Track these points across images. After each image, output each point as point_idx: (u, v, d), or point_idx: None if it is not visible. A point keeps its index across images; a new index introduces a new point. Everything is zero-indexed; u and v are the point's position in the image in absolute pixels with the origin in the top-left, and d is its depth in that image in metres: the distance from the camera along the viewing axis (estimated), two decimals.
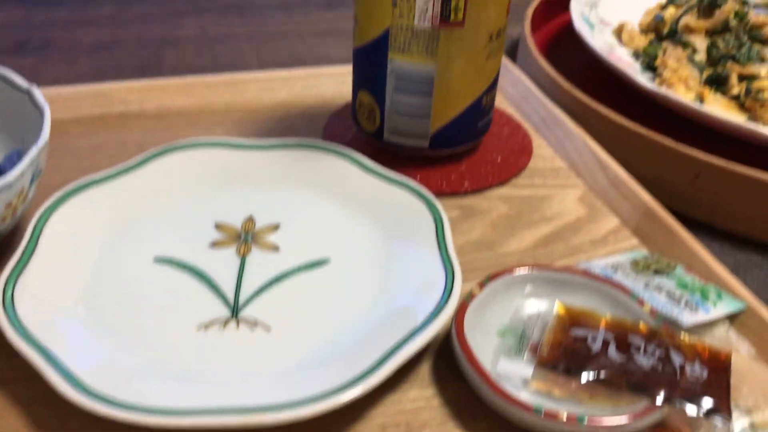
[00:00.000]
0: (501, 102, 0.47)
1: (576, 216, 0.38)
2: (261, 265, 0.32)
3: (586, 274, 0.30)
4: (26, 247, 0.30)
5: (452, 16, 0.35)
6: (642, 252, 0.34)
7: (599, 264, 0.33)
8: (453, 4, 0.35)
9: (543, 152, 0.43)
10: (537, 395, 0.26)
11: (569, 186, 0.40)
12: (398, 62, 0.37)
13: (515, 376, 0.27)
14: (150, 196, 0.35)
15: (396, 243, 0.33)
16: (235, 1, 0.63)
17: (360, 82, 0.40)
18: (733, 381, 0.26)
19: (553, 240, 0.36)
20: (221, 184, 0.36)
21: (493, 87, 0.40)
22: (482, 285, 0.30)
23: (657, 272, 0.32)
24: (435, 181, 0.39)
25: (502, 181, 0.40)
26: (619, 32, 0.53)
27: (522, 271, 0.30)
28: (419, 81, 0.37)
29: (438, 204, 0.34)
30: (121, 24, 0.58)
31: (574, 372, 0.26)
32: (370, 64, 0.38)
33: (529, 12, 0.55)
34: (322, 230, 0.34)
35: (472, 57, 0.37)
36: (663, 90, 0.43)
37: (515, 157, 0.42)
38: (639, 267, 0.32)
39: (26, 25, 0.57)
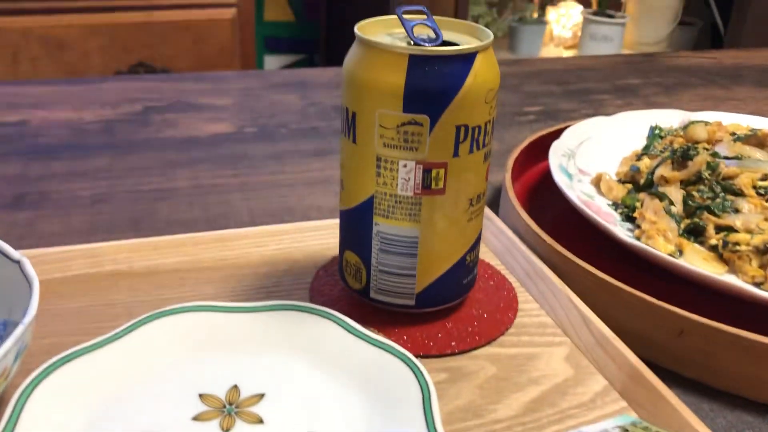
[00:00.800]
0: (485, 253, 0.48)
1: (563, 377, 0.37)
2: None
3: None
4: (5, 428, 0.29)
5: (433, 185, 0.37)
6: (631, 417, 0.34)
7: (588, 430, 0.32)
8: (433, 174, 0.36)
9: (528, 306, 0.43)
10: None
11: (555, 344, 0.40)
12: (383, 225, 0.38)
13: None
14: (133, 367, 0.34)
15: (383, 416, 0.32)
16: (229, 152, 0.66)
17: (346, 242, 0.41)
18: None
19: (541, 404, 0.35)
20: (206, 351, 0.36)
21: (476, 245, 0.41)
22: None
23: None
24: (422, 342, 0.39)
25: (490, 341, 0.40)
26: (597, 182, 0.55)
27: None
28: (403, 243, 0.38)
29: (425, 373, 0.34)
30: (117, 176, 0.60)
31: None
32: (356, 226, 0.39)
33: (510, 162, 0.57)
34: (308, 401, 0.33)
35: (453, 221, 0.38)
36: (641, 244, 0.44)
37: (501, 313, 0.42)
38: None
39: (23, 179, 0.59)
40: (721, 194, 0.50)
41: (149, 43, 1.50)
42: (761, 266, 0.44)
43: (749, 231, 0.47)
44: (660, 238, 0.47)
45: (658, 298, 0.40)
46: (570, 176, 0.55)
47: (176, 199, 0.57)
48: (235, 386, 0.34)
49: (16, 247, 0.46)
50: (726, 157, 0.53)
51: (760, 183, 0.51)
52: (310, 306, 0.38)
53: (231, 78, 0.89)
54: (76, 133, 0.69)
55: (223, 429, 0.31)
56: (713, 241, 0.47)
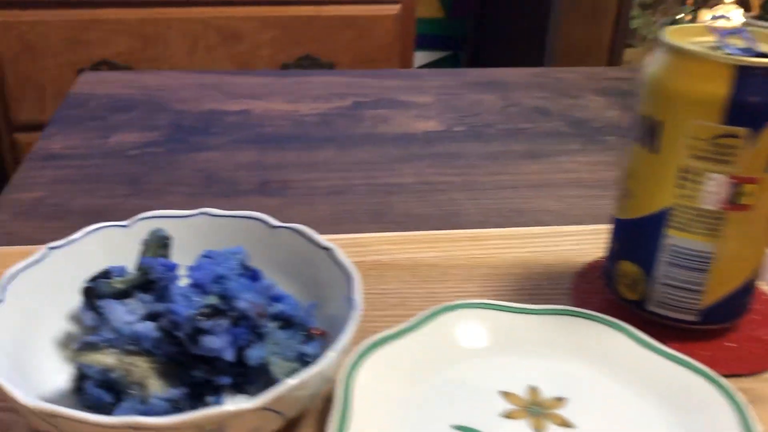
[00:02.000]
0: None
1: None
2: None
3: None
4: (343, 409, 0.31)
5: (740, 200, 0.36)
6: None
7: None
8: (743, 189, 0.35)
9: None
10: None
11: None
12: (676, 239, 0.37)
13: None
14: (436, 357, 0.36)
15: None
16: (444, 149, 0.67)
17: (624, 251, 0.40)
18: None
19: None
20: (501, 349, 0.37)
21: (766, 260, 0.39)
22: None
23: None
24: (704, 359, 0.38)
25: None
26: None
27: None
28: (696, 258, 0.37)
29: (738, 395, 0.33)
30: (347, 168, 0.63)
31: None
32: (641, 237, 0.39)
33: None
34: (613, 411, 0.34)
35: (754, 238, 0.37)
36: None
37: None
38: None
39: (261, 166, 0.62)
40: None
41: (316, 38, 1.55)
42: None
43: None
44: None
45: None
46: None
47: (406, 195, 0.59)
48: (536, 388, 0.35)
49: None
50: None
51: None
52: (598, 315, 0.38)
53: (426, 76, 0.90)
54: (297, 124, 0.72)
55: (535, 429, 0.32)
56: None
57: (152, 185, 0.59)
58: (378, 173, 0.62)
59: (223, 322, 0.30)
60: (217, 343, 0.30)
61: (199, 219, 0.39)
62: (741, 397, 0.33)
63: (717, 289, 0.38)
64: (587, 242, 0.49)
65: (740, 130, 0.34)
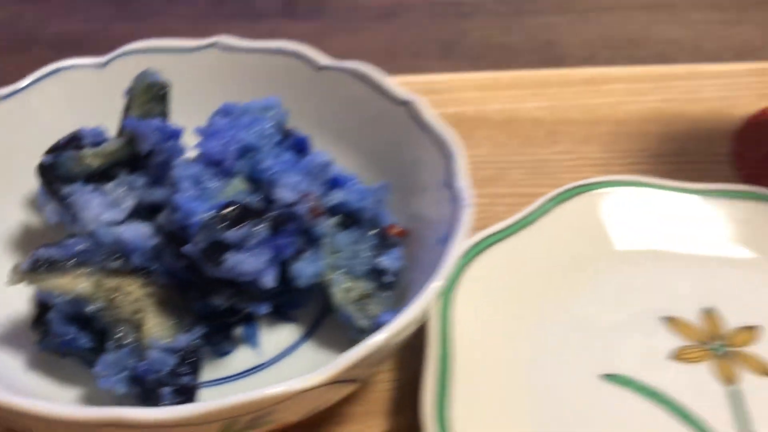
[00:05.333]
0: None
1: None
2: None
3: None
4: (441, 347, 0.20)
5: None
6: None
7: None
8: None
9: None
10: None
11: None
12: None
13: None
14: (560, 268, 0.24)
15: None
16: None
17: None
18: None
19: None
20: (653, 250, 0.25)
21: None
22: None
23: None
24: None
25: None
26: None
27: None
28: None
29: None
30: None
31: None
32: None
33: None
34: None
35: None
36: None
37: None
38: None
39: None
40: None
41: None
42: None
43: None
44: None
45: None
46: None
47: (483, 17, 0.44)
48: (711, 310, 0.24)
49: None
50: None
51: None
52: None
53: None
54: None
55: (723, 381, 0.21)
56: None
57: (144, 3, 0.45)
58: None
59: (260, 229, 0.19)
60: (251, 263, 0.19)
61: (211, 54, 0.26)
62: None
63: None
64: (739, 87, 0.35)
65: None
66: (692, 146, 0.32)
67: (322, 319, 0.22)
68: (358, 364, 0.17)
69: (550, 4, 0.46)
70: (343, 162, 0.24)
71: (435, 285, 0.18)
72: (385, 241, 0.22)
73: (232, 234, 0.18)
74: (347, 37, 0.43)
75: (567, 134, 0.33)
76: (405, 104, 0.24)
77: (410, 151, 0.23)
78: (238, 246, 0.18)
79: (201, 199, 0.20)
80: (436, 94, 0.34)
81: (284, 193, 0.20)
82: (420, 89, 0.34)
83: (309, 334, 0.22)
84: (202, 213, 0.19)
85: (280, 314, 0.22)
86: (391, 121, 0.24)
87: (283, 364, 0.21)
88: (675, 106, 0.34)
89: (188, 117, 0.24)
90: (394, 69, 0.40)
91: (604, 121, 0.33)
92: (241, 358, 0.21)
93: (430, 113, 0.24)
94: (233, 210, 0.19)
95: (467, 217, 0.20)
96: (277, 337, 0.22)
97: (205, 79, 0.26)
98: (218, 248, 0.18)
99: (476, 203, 0.27)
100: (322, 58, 0.26)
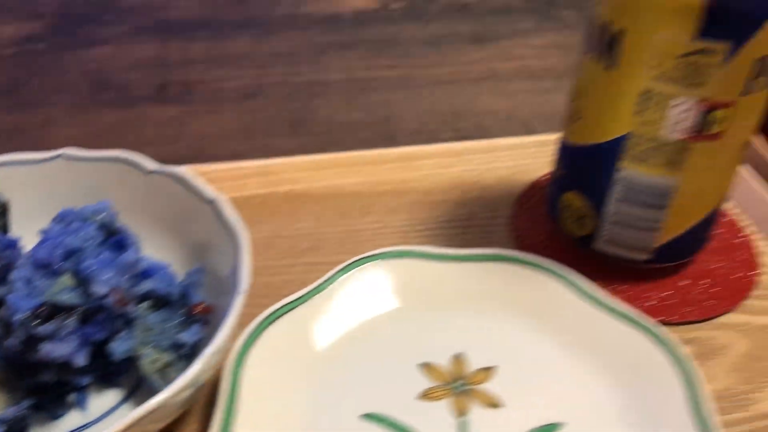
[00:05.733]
0: None
1: None
2: (484, 430, 0.27)
3: None
4: (228, 402, 0.26)
5: (709, 129, 0.29)
6: None
7: None
8: (713, 116, 0.29)
9: None
10: None
11: None
12: (631, 172, 0.31)
13: None
14: (339, 329, 0.30)
15: (639, 410, 0.28)
16: (378, 34, 0.58)
17: (571, 182, 0.34)
18: None
19: None
20: (420, 308, 0.31)
21: (730, 191, 0.34)
22: None
23: None
24: (656, 305, 0.34)
25: (734, 306, 0.34)
26: None
27: None
28: (653, 193, 0.32)
29: (688, 360, 0.29)
30: (262, 63, 0.54)
31: None
32: (590, 167, 0.33)
33: None
34: (548, 380, 0.29)
35: (720, 169, 0.31)
36: None
37: (741, 268, 0.36)
38: None
39: (163, 63, 0.53)
40: None
41: None
42: None
43: None
44: None
45: None
46: None
47: (332, 96, 0.51)
48: (460, 355, 0.30)
49: (171, 152, 0.43)
50: None
51: None
52: (531, 259, 0.33)
53: None
54: (208, 5, 0.62)
55: (456, 414, 0.28)
56: None
57: (27, 94, 0.50)
58: (299, 68, 0.54)
59: (69, 321, 0.24)
60: (62, 350, 0.24)
61: (57, 164, 0.32)
62: (684, 353, 0.29)
63: (675, 226, 0.33)
64: (532, 156, 0.43)
65: (718, 46, 0.27)
66: (481, 212, 0.39)
67: (140, 383, 0.28)
68: (141, 420, 0.22)
69: (391, 82, 0.53)
70: (163, 246, 0.30)
71: (204, 357, 0.24)
72: (189, 319, 0.28)
73: (44, 329, 0.24)
74: (210, 118, 0.48)
75: (379, 205, 0.39)
76: (211, 203, 0.30)
77: (213, 237, 0.29)
78: (49, 337, 0.24)
79: (30, 297, 0.25)
80: (273, 175, 0.40)
81: (98, 288, 0.26)
82: (259, 171, 0.40)
83: (129, 396, 0.27)
84: (23, 311, 0.24)
85: (106, 381, 0.27)
86: (201, 217, 0.30)
87: (104, 422, 0.26)
88: (473, 175, 0.41)
89: (39, 220, 0.29)
90: (248, 146, 0.46)
91: (413, 192, 0.40)
92: (71, 419, 0.27)
93: (228, 210, 0.29)
94: (44, 309, 0.24)
95: (238, 302, 0.26)
96: (103, 400, 0.27)
97: (52, 186, 0.31)
98: (33, 340, 0.24)
99: (294, 271, 0.34)
100: (150, 164, 0.32)
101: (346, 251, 0.35)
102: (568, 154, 0.34)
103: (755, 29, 0.27)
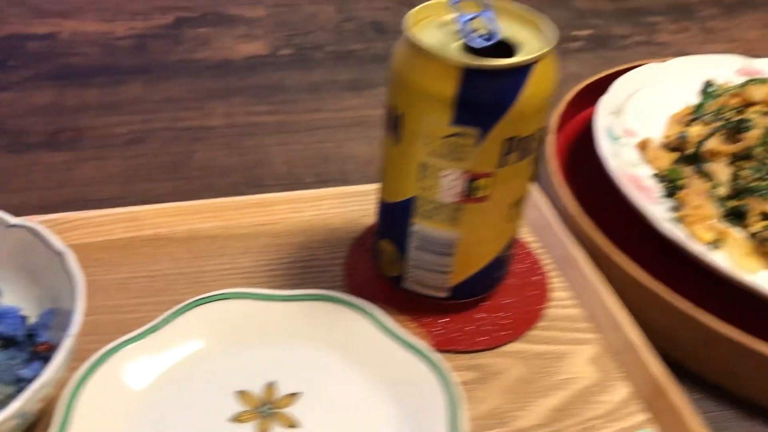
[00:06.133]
0: (521, 228, 0.48)
1: (589, 381, 0.38)
2: None
3: None
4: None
5: (476, 194, 0.36)
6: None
7: None
8: (477, 183, 0.35)
9: (560, 295, 0.43)
10: None
11: (584, 341, 0.41)
12: (421, 226, 0.38)
13: None
14: (171, 360, 0.36)
15: (411, 425, 0.34)
16: (264, 80, 0.64)
17: (384, 231, 0.40)
18: None
19: (564, 413, 0.37)
20: (242, 343, 0.37)
21: (512, 241, 0.40)
22: None
23: None
24: (453, 335, 0.40)
25: (519, 336, 0.41)
26: (643, 147, 0.53)
27: None
28: (441, 244, 0.38)
29: (455, 385, 0.35)
30: (152, 109, 0.59)
31: None
32: (393, 221, 0.39)
33: (553, 123, 0.55)
34: (342, 403, 0.35)
35: (493, 224, 0.38)
36: (677, 236, 0.43)
37: (532, 302, 0.43)
38: None
39: (59, 109, 0.58)
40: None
41: None
42: None
43: None
44: (700, 226, 0.46)
45: (695, 293, 0.41)
46: (616, 139, 0.53)
47: (212, 141, 0.56)
48: (273, 383, 0.36)
49: (56, 197, 0.47)
50: None
51: None
52: (345, 298, 0.39)
53: None
54: (108, 51, 0.67)
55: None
56: (753, 229, 0.46)
57: None
58: (185, 113, 0.59)
59: None
60: None
61: None
62: (452, 378, 0.35)
63: (463, 270, 0.39)
64: (373, 202, 0.49)
65: (470, 130, 0.34)
66: (322, 254, 0.45)
67: None
68: None
69: (268, 128, 0.58)
70: (21, 290, 0.36)
71: (29, 391, 0.29)
72: (34, 356, 0.33)
73: None
74: (96, 164, 0.53)
75: (232, 248, 0.44)
76: (59, 254, 0.35)
77: (63, 288, 0.34)
78: None
79: None
80: (140, 220, 0.45)
81: None
82: (125, 218, 0.45)
83: None
84: None
85: None
86: (53, 266, 0.35)
87: None
88: (321, 219, 0.47)
89: None
90: (128, 190, 0.51)
91: (264, 236, 0.46)
92: None
93: (71, 261, 0.35)
94: None
95: (67, 343, 0.31)
96: None
97: None
98: None
99: (145, 309, 0.39)
100: (10, 218, 0.37)
101: (193, 291, 0.40)
102: (381, 207, 0.40)
103: (497, 118, 0.33)
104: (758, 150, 0.50)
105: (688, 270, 0.43)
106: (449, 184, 0.36)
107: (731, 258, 0.44)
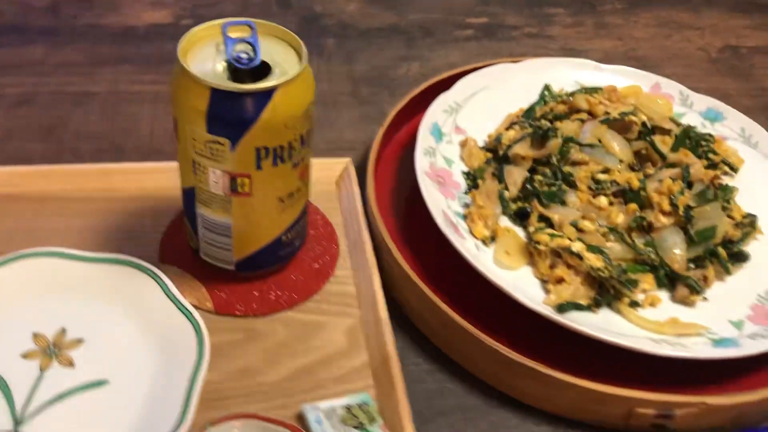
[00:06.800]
0: (333, 209, 0.55)
1: (336, 349, 0.46)
2: (55, 381, 0.41)
3: (287, 425, 0.40)
4: None
5: (240, 189, 0.43)
6: (366, 397, 0.43)
7: (321, 407, 0.42)
8: (239, 181, 0.42)
9: (344, 273, 0.51)
10: None
11: (345, 315, 0.48)
12: (202, 211, 0.45)
13: None
14: None
15: (168, 372, 0.42)
16: (158, 50, 0.70)
17: (185, 210, 0.48)
18: None
19: (305, 373, 0.45)
20: (47, 293, 0.45)
21: (294, 226, 0.47)
22: (203, 429, 0.39)
23: (357, 427, 0.41)
24: (232, 301, 0.48)
25: (292, 306, 0.48)
26: (463, 145, 0.59)
27: (232, 422, 0.40)
28: (220, 227, 0.45)
29: (206, 342, 0.43)
30: (47, 72, 0.66)
31: None
32: (186, 203, 0.46)
33: (380, 131, 0.59)
34: (114, 351, 0.43)
35: (263, 214, 0.45)
36: (447, 232, 0.50)
37: (315, 278, 0.50)
38: (347, 419, 0.41)
39: None
40: (558, 182, 0.54)
41: None
42: (551, 266, 0.50)
43: (565, 225, 0.52)
44: (480, 223, 0.52)
45: (450, 283, 0.48)
46: (441, 136, 0.59)
47: (91, 106, 0.63)
48: (64, 329, 0.44)
49: None
50: (579, 143, 0.56)
51: (600, 176, 0.55)
52: (140, 264, 0.47)
53: None
54: (22, 11, 0.73)
55: (40, 368, 0.42)
56: (531, 229, 0.52)
57: None
58: (74, 78, 0.66)
59: None
60: None
61: None
62: (206, 346, 0.43)
63: (242, 249, 0.46)
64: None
65: (223, 140, 0.41)
66: (150, 223, 0.52)
67: None
68: None
69: (146, 97, 0.65)
70: None
71: None
72: None
73: None
74: None
75: (71, 211, 0.52)
76: None
77: None
78: None
79: None
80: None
81: None
82: None
83: None
84: None
85: None
86: None
87: None
88: (156, 191, 0.54)
89: None
90: (3, 150, 0.58)
91: (101, 201, 0.53)
92: None
93: None
94: None
95: None
96: None
97: None
98: None
99: None
100: None
101: (27, 246, 0.48)
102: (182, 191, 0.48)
103: (243, 132, 0.40)
104: (556, 158, 0.56)
105: (457, 261, 0.50)
106: (216, 180, 0.43)
107: (496, 253, 0.51)
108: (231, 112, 0.40)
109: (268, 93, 0.40)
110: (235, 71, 0.41)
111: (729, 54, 0.81)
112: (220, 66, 0.41)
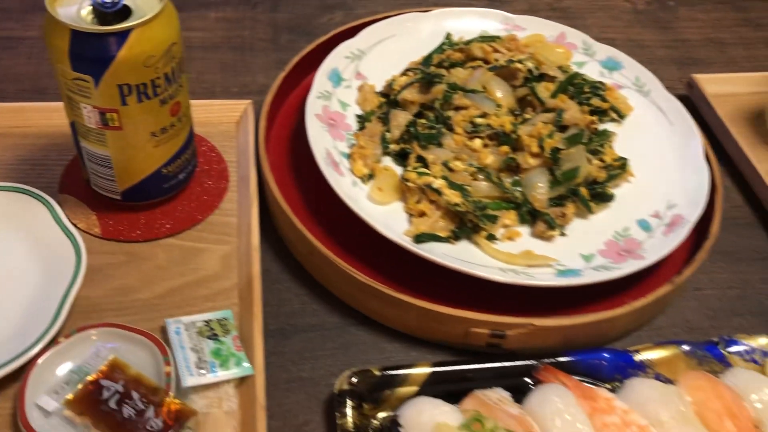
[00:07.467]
0: (230, 148, 0.59)
1: (210, 272, 0.51)
2: None
3: (143, 333, 0.44)
4: None
5: (110, 123, 0.47)
6: (226, 314, 0.47)
7: (183, 320, 0.46)
8: (108, 116, 0.47)
9: (229, 206, 0.55)
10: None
11: (223, 243, 0.53)
12: (84, 144, 0.49)
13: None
14: None
15: (48, 286, 0.47)
16: None
17: (74, 143, 0.52)
18: None
19: (177, 292, 0.49)
20: None
21: (175, 159, 0.52)
22: (68, 335, 0.44)
23: (211, 337, 0.46)
24: (118, 228, 0.52)
25: (176, 233, 0.53)
26: (360, 90, 0.62)
27: (91, 330, 0.44)
28: (100, 159, 0.50)
29: (83, 262, 0.48)
30: None
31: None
32: (73, 137, 0.50)
33: (277, 82, 0.61)
34: (6, 268, 0.48)
35: (138, 148, 0.49)
36: (326, 170, 0.54)
37: (200, 209, 0.54)
38: (203, 331, 0.46)
39: None
40: (439, 126, 0.58)
41: None
42: (417, 202, 0.54)
43: (436, 164, 0.55)
44: (360, 162, 0.56)
45: (324, 216, 0.53)
46: (340, 81, 0.62)
47: (21, 50, 0.68)
48: None
49: None
50: (463, 89, 0.59)
51: (478, 120, 0.58)
52: (34, 191, 0.51)
53: None
54: None
55: None
56: (408, 169, 0.56)
57: None
58: (10, 24, 0.70)
59: None
60: None
61: None
62: (82, 259, 0.47)
63: (125, 180, 0.51)
64: None
65: (85, 77, 0.45)
66: (53, 155, 0.57)
67: None
68: None
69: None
70: None
71: None
72: None
73: None
74: None
75: None
76: None
77: None
78: None
79: None
80: None
81: None
82: None
83: None
84: None
85: None
86: None
87: None
88: (64, 127, 0.59)
89: None
90: None
91: (13, 136, 0.57)
92: None
93: None
94: None
95: None
96: None
97: None
98: None
99: None
100: None
101: None
102: None
103: (103, 70, 0.44)
104: (439, 103, 0.59)
105: (335, 197, 0.54)
106: (88, 114, 0.47)
107: (371, 189, 0.55)
108: (89, 51, 0.43)
109: (124, 33, 0.43)
110: (102, 14, 0.45)
111: (656, 7, 0.82)
112: (86, 10, 0.45)
